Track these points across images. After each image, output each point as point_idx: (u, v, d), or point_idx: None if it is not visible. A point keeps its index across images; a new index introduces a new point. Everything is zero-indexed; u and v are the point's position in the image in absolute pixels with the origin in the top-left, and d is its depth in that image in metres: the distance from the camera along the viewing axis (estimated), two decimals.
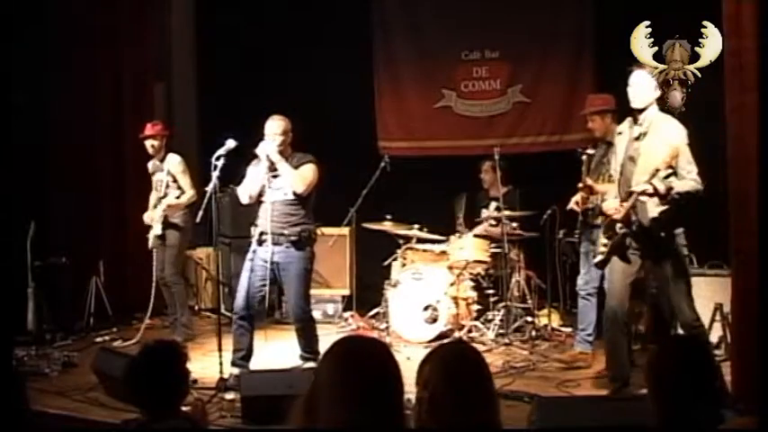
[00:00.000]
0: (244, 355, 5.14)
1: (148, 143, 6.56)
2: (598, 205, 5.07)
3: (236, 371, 5.00)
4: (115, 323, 7.06)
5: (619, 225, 4.52)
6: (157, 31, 8.17)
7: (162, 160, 6.55)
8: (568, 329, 6.48)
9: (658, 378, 2.40)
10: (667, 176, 4.32)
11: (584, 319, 5.69)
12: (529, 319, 6.56)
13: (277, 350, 6.00)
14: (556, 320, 6.72)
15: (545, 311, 6.70)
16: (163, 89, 8.44)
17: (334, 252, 7.52)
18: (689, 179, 4.35)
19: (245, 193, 5.24)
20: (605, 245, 4.62)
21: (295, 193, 5.11)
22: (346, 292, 7.66)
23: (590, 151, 5.58)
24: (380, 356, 2.00)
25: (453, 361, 2.11)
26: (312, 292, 7.60)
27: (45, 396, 4.85)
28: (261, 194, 5.19)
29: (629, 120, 4.63)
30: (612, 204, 4.58)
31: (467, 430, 2.00)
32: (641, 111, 4.50)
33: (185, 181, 6.47)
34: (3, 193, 6.29)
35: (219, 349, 4.90)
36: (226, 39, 8.34)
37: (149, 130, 6.58)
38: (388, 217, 6.97)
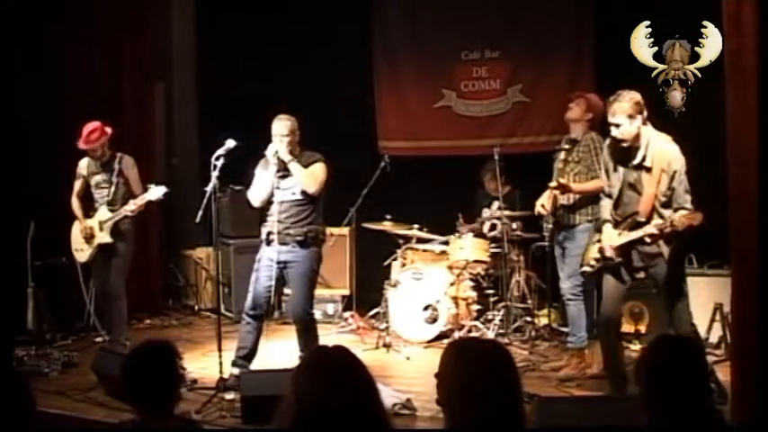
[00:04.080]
0: (247, 353, 5.14)
1: (96, 153, 6.08)
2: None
3: (236, 371, 5.00)
4: None
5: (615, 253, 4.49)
6: (158, 31, 8.16)
7: (108, 161, 6.12)
8: (567, 329, 6.47)
9: (648, 378, 2.40)
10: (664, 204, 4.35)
11: (574, 325, 5.64)
12: (529, 319, 6.55)
13: (277, 350, 5.99)
14: (556, 320, 6.72)
15: (545, 311, 6.69)
16: (163, 89, 8.44)
17: (335, 252, 7.51)
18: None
19: (255, 197, 5.27)
20: (597, 260, 4.59)
21: (305, 193, 5.12)
22: (346, 291, 7.66)
23: (565, 146, 5.58)
24: (358, 363, 2.12)
25: (488, 357, 2.14)
26: None
27: (45, 396, 4.85)
28: (271, 196, 5.20)
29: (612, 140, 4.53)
30: (610, 237, 4.50)
31: (493, 427, 2.03)
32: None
33: (138, 181, 6.10)
34: (3, 193, 6.28)
35: (219, 349, 4.90)
36: (226, 39, 8.34)
37: (92, 141, 6.00)
38: (388, 217, 6.97)
